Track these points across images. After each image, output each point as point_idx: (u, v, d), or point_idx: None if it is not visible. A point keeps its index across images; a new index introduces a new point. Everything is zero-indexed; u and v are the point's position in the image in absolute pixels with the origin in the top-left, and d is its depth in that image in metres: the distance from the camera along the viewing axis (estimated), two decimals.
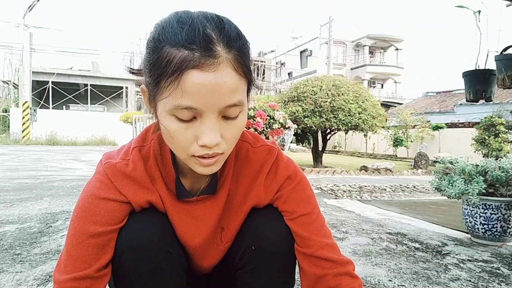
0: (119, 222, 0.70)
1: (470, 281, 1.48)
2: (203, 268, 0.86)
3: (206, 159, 0.62)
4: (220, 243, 0.81)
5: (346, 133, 8.00)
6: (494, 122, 8.27)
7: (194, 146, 0.60)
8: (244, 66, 0.60)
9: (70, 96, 20.99)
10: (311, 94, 7.30)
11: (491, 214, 1.96)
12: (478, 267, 1.65)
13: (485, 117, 8.57)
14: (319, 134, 7.99)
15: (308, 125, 7.13)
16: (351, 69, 29.94)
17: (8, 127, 17.86)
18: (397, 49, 30.42)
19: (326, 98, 7.15)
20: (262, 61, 25.17)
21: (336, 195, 4.11)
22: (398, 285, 1.40)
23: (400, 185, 5.51)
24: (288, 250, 0.77)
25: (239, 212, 0.79)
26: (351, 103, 7.13)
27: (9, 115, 18.14)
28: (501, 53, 2.02)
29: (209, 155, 0.61)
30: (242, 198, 0.78)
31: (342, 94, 7.21)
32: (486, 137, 8.31)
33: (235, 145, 0.73)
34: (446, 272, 1.57)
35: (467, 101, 2.22)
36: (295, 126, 6.68)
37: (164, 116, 0.60)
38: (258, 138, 0.81)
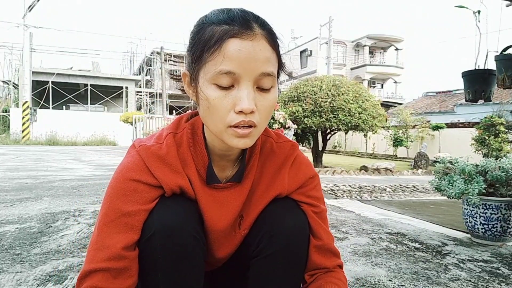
0: (150, 202, 0.73)
1: (470, 281, 1.48)
2: (217, 259, 0.87)
3: (241, 129, 0.66)
4: (238, 231, 0.83)
5: (346, 133, 8.01)
6: (494, 122, 8.28)
7: (231, 114, 0.65)
8: (276, 44, 0.69)
9: (70, 96, 20.99)
10: (311, 94, 7.30)
11: (491, 214, 1.96)
12: (478, 267, 1.65)
13: (485, 117, 8.58)
14: (319, 134, 8.00)
15: (308, 125, 7.13)
16: (351, 69, 29.92)
17: (8, 127, 17.88)
18: (397, 49, 30.40)
19: (326, 98, 7.15)
20: None
21: (336, 195, 4.11)
22: (398, 285, 1.40)
23: (400, 185, 5.52)
24: (304, 239, 0.80)
25: (260, 201, 0.82)
26: (351, 103, 7.13)
27: (9, 115, 18.15)
28: (501, 53, 2.02)
29: (245, 122, 0.65)
30: (265, 188, 0.82)
31: (342, 94, 7.21)
32: (486, 137, 8.32)
33: (260, 139, 0.82)
34: (446, 272, 1.57)
35: (466, 101, 2.22)
36: (295, 126, 6.69)
37: (205, 87, 0.66)
38: (280, 135, 0.88)
